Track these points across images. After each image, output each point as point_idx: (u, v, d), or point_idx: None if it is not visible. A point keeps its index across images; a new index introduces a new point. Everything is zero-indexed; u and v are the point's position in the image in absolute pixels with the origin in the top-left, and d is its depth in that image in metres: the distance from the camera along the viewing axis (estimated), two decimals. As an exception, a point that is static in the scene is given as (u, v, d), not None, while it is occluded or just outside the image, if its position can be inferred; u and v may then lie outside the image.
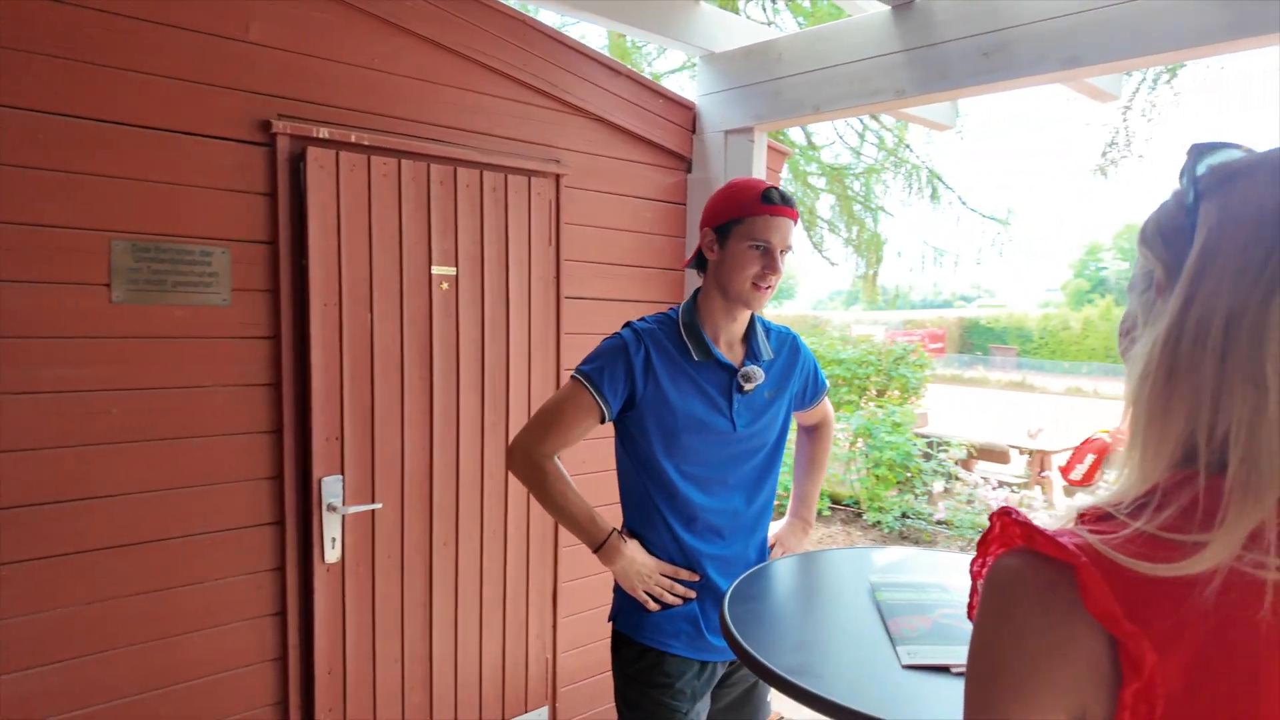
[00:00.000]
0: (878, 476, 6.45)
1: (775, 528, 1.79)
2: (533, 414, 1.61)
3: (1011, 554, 0.59)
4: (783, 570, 1.49)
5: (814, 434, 1.87)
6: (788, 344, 1.68)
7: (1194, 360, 0.55)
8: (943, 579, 1.35)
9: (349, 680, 2.14)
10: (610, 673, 2.76)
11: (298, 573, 2.08)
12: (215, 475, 1.95)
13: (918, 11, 2.28)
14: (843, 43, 2.45)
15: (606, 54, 2.61)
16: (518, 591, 2.49)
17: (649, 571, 1.55)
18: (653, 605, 1.55)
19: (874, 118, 8.94)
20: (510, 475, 2.42)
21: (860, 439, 6.64)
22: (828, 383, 1.82)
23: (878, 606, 1.22)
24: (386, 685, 2.22)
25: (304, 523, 2.08)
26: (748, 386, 1.56)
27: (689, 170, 2.81)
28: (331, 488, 2.08)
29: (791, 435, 1.75)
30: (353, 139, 2.05)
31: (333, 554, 2.09)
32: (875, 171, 9.38)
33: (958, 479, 6.70)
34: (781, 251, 1.52)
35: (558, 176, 2.46)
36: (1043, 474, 7.51)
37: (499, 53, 2.30)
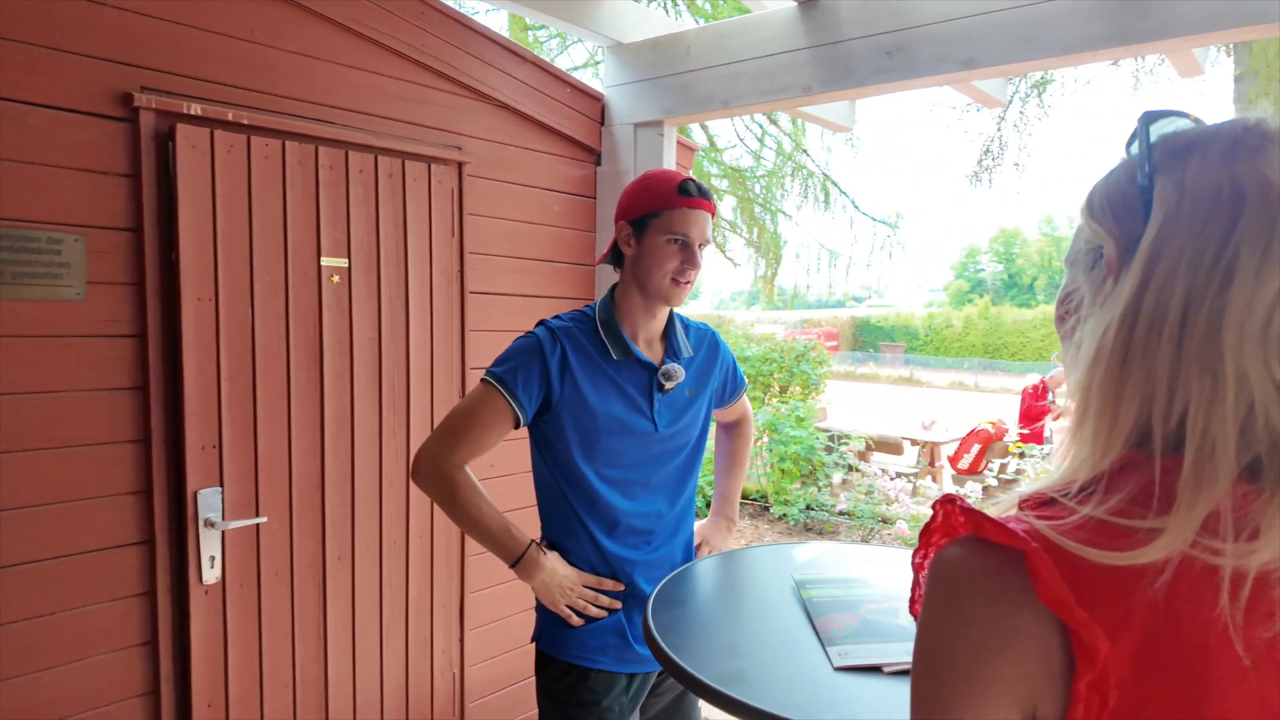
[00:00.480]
0: (783, 470, 6.59)
1: (699, 525, 1.75)
2: (439, 421, 1.49)
3: (956, 543, 0.56)
4: (705, 572, 1.44)
5: (733, 431, 1.84)
6: (707, 340, 1.64)
7: (1149, 347, 0.53)
8: (865, 573, 1.34)
9: (232, 712, 1.95)
10: (520, 684, 2.67)
11: (171, 597, 1.87)
12: (71, 491, 1.72)
13: (823, 9, 2.30)
14: (750, 38, 2.44)
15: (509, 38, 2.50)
16: (421, 605, 2.35)
17: (571, 584, 1.47)
18: (575, 620, 1.47)
19: (773, 121, 9.16)
20: (414, 486, 2.28)
21: (766, 434, 6.76)
22: (746, 379, 1.79)
23: (804, 605, 1.19)
24: (276, 714, 2.03)
25: (178, 541, 1.87)
26: (668, 385, 1.51)
27: (598, 163, 2.74)
28: (209, 501, 1.88)
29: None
30: (230, 117, 1.87)
31: (211, 574, 1.90)
32: (775, 175, 9.61)
33: (857, 471, 6.93)
34: (700, 245, 1.47)
35: (460, 164, 2.34)
36: (935, 464, 7.90)
37: (394, 31, 2.15)
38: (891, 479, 6.53)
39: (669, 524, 1.56)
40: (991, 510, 0.58)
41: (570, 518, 1.50)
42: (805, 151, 9.58)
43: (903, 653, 1.01)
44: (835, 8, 2.28)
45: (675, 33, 2.60)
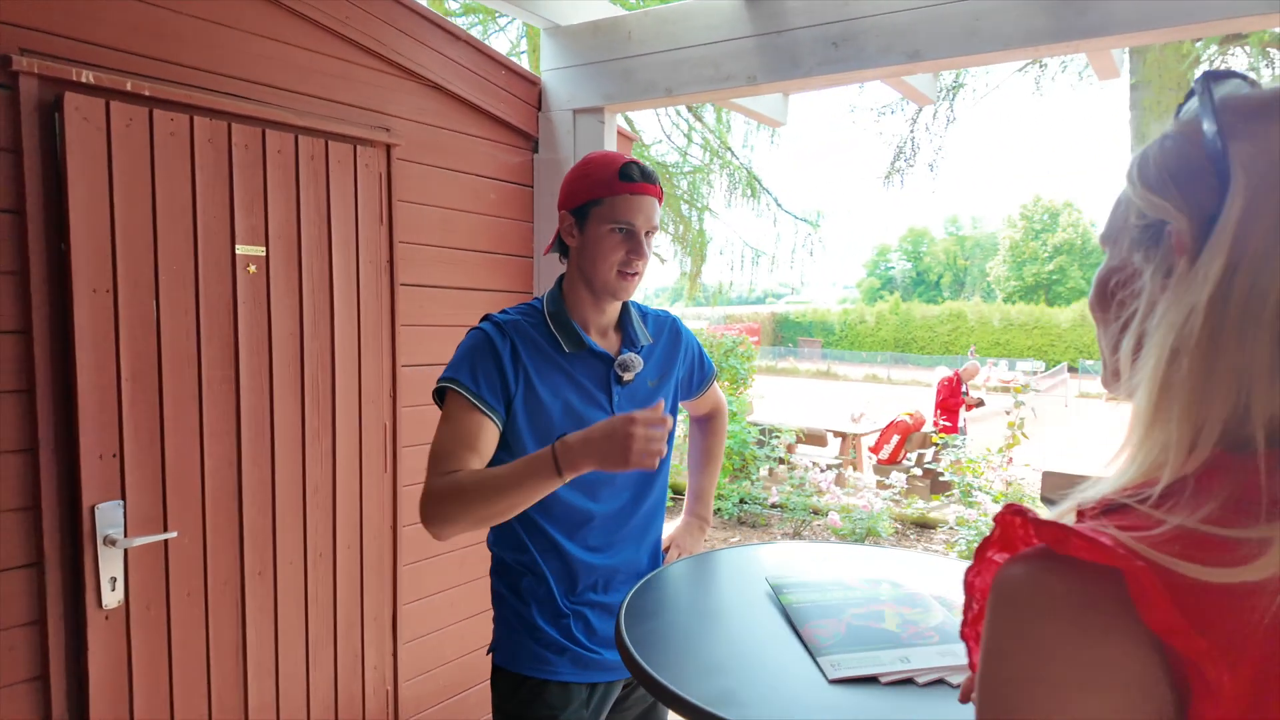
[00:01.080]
0: (714, 465, 6.59)
1: (669, 528, 1.66)
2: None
3: (1021, 560, 0.49)
4: (675, 578, 1.36)
5: (706, 425, 1.75)
6: (667, 327, 1.55)
7: (1244, 336, 0.47)
8: (838, 574, 1.29)
9: (138, 749, 1.75)
10: (460, 696, 2.53)
11: (64, 625, 1.66)
12: (-62, 511, 1.50)
13: (768, -5, 2.25)
14: (693, 24, 2.38)
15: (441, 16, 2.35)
16: (351, 619, 2.19)
17: (623, 424, 1.11)
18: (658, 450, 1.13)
19: (698, 118, 9.16)
20: (380, 504, 2.13)
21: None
22: (715, 367, 1.70)
23: (784, 612, 1.13)
24: (188, 748, 1.85)
25: (72, 562, 1.67)
26: (627, 377, 1.42)
27: (536, 150, 2.63)
28: (109, 516, 1.68)
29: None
30: (128, 87, 1.67)
31: (112, 598, 1.70)
32: (701, 171, 9.62)
33: (786, 463, 7.01)
34: (646, 233, 1.38)
35: (389, 146, 2.18)
36: (857, 454, 8.08)
37: (315, 1, 1.98)
38: (822, 471, 6.64)
39: (636, 526, 1.47)
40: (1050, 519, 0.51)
41: (527, 523, 1.39)
42: (729, 149, 9.63)
43: (896, 661, 0.96)
44: (780, -6, 2.23)
45: (616, 16, 2.51)
